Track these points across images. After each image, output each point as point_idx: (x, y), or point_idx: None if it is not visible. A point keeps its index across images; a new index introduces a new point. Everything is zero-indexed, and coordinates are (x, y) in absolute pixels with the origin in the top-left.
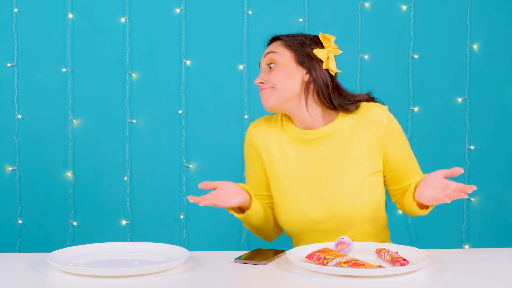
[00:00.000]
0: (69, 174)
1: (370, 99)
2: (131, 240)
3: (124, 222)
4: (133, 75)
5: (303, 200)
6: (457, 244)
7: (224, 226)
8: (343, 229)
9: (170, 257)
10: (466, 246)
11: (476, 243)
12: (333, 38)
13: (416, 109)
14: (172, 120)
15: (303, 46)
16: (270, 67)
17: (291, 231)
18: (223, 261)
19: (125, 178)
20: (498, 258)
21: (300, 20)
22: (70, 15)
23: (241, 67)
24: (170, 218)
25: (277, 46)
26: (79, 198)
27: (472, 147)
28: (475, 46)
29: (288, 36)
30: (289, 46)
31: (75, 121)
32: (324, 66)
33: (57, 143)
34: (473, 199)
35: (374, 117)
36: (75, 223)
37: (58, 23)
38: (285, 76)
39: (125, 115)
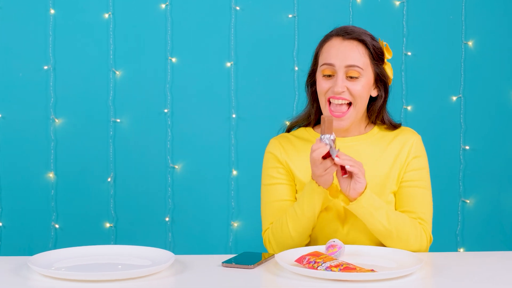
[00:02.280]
0: (51, 175)
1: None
2: (115, 243)
3: (107, 225)
4: (117, 72)
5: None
6: (452, 247)
7: (211, 229)
8: (354, 234)
9: (155, 260)
10: (461, 250)
11: (472, 247)
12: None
13: (409, 108)
14: (158, 119)
15: (381, 62)
16: (351, 77)
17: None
18: (210, 265)
19: (109, 179)
20: (494, 262)
21: (290, 16)
22: (52, 11)
23: (228, 64)
24: (156, 221)
25: (362, 58)
26: (61, 200)
27: (467, 147)
28: (470, 43)
29: (372, 43)
30: (373, 60)
31: (57, 120)
32: (389, 82)
33: (38, 143)
34: (468, 201)
35: (409, 140)
36: (57, 226)
37: (40, 19)
38: (366, 94)
39: (109, 114)
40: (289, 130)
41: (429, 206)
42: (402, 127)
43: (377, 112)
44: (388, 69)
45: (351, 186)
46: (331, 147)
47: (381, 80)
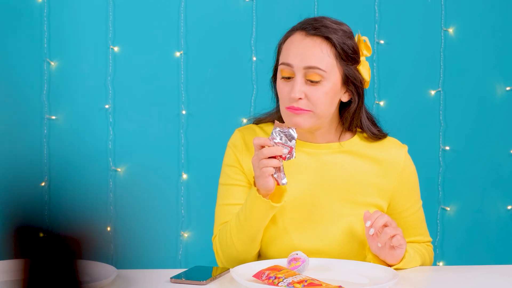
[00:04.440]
0: None
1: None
2: None
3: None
4: (52, 63)
5: (290, 226)
6: None
7: (158, 240)
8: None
9: (94, 276)
10: (441, 263)
11: (452, 260)
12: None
13: (382, 103)
14: (98, 116)
15: (353, 61)
16: (311, 82)
17: (272, 256)
18: (157, 280)
19: (43, 184)
20: (477, 277)
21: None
22: None
23: (178, 54)
24: (95, 231)
25: (326, 58)
26: None
27: (447, 148)
28: (451, 30)
29: (339, 39)
30: (341, 60)
31: None
32: (365, 86)
33: None
34: (448, 209)
35: (392, 156)
36: None
37: None
38: (330, 100)
39: (42, 110)
40: (257, 122)
41: (424, 220)
42: (387, 139)
43: (350, 119)
44: (364, 69)
45: (389, 253)
46: (281, 139)
47: (352, 83)
